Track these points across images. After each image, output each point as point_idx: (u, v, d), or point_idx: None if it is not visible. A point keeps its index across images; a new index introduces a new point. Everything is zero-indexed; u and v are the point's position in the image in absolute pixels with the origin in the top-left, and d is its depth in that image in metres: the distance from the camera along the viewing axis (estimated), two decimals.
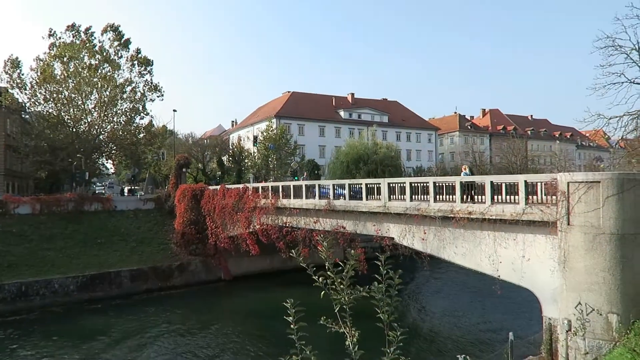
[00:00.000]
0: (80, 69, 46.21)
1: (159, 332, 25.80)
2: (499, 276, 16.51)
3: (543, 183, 15.36)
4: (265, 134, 57.54)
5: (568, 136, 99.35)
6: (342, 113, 73.50)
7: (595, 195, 13.27)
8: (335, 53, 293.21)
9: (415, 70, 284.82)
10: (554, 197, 14.45)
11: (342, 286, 3.16)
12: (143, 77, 50.75)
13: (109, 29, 48.72)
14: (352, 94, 79.04)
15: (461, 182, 18.19)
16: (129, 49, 49.70)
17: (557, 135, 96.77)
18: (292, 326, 3.18)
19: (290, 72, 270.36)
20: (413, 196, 19.74)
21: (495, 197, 16.56)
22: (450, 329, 25.72)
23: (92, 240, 36.02)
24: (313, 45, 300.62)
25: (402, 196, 20.31)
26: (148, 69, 50.82)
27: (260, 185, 33.41)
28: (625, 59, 25.44)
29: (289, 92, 75.64)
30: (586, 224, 13.39)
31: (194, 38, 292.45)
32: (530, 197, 15.45)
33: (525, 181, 15.62)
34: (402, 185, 20.66)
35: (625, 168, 37.74)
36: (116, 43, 48.83)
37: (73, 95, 46.33)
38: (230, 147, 68.75)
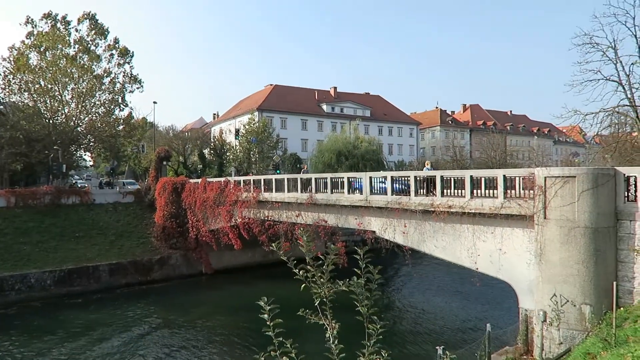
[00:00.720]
0: (57, 59, 45.06)
1: (140, 326, 25.58)
2: (477, 269, 16.84)
3: (521, 178, 15.67)
4: (247, 127, 57.17)
5: (546, 132, 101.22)
6: (324, 107, 73.46)
7: (571, 190, 13.61)
8: (317, 46, 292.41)
9: (398, 64, 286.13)
10: (531, 191, 14.77)
11: (322, 280, 3.18)
12: (122, 67, 49.77)
13: (85, 17, 47.55)
14: (335, 88, 79.02)
15: (416, 177, 18.69)
16: (106, 38, 48.61)
17: (535, 131, 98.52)
18: (267, 323, 3.19)
19: (273, 65, 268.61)
20: (394, 190, 19.91)
21: (475, 191, 16.83)
22: (430, 322, 26.12)
23: (70, 234, 35.37)
24: (295, 38, 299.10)
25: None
26: (127, 59, 49.84)
27: (242, 178, 33.24)
28: (602, 57, 26.01)
29: (271, 85, 75.21)
30: (562, 218, 13.73)
31: (173, 30, 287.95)
32: (508, 191, 15.75)
33: (504, 176, 15.91)
34: (383, 179, 20.81)
35: (600, 163, 38.76)
36: (93, 32, 47.70)
37: (50, 86, 45.18)
38: (212, 140, 68.10)
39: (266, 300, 3.23)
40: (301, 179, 26.22)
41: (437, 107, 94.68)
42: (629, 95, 25.81)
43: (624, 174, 13.60)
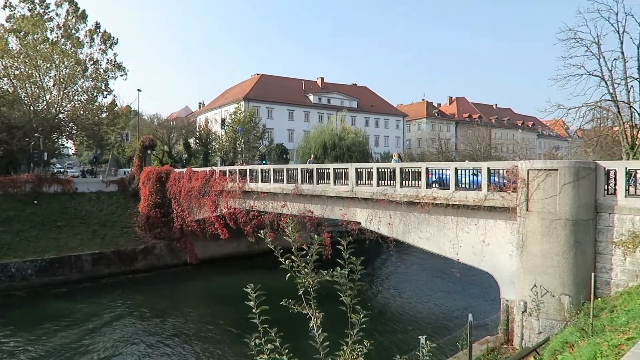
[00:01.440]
0: (37, 44, 43.97)
1: (126, 316, 25.48)
2: (459, 260, 17.08)
3: (505, 170, 15.88)
4: (233, 116, 56.72)
5: (530, 125, 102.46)
6: (311, 97, 73.19)
7: (553, 183, 13.84)
8: (305, 36, 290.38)
9: (385, 56, 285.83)
10: (514, 183, 14.98)
11: (306, 270, 3.20)
12: (105, 54, 48.83)
13: (63, 0, 46.39)
14: (322, 79, 78.74)
15: (402, 169, 18.88)
16: (86, 21, 47.49)
17: (520, 124, 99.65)
18: (253, 310, 3.21)
19: (260, 54, 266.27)
20: (380, 181, 20.02)
21: (459, 183, 17.01)
22: (413, 312, 26.45)
23: (51, 223, 34.83)
24: (283, 27, 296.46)
25: (369, 181, 20.56)
26: (110, 45, 48.89)
27: (227, 168, 33.06)
28: (586, 52, 26.39)
29: (258, 74, 74.60)
30: (543, 210, 13.97)
31: (158, 17, 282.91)
32: (492, 183, 15.95)
33: (488, 168, 16.10)
34: (369, 170, 20.89)
35: (582, 157, 39.45)
36: (72, 16, 46.56)
37: (30, 71, 44.12)
38: (198, 129, 67.43)
39: (252, 287, 3.24)
40: (287, 169, 26.19)
41: (423, 100, 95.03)
42: (611, 91, 26.26)
43: (605, 168, 13.87)
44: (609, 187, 13.87)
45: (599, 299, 12.87)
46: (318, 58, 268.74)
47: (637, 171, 13.98)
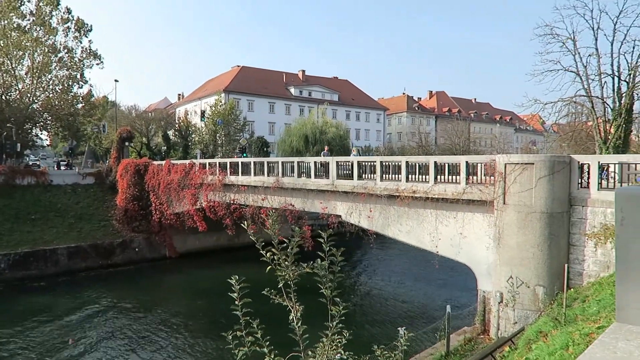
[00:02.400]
0: (8, 31, 42.55)
1: (105, 310, 25.14)
2: (438, 252, 17.33)
3: (483, 164, 16.12)
4: (213, 108, 56.06)
5: (508, 120, 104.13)
6: (292, 90, 72.83)
7: (529, 177, 14.13)
8: (286, 28, 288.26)
9: (367, 50, 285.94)
10: (492, 177, 15.24)
11: (286, 262, 3.20)
12: (80, 42, 47.52)
13: None
14: (303, 71, 78.39)
15: (382, 162, 19.05)
16: (58, 6, 46.06)
17: (498, 119, 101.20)
18: (236, 302, 3.21)
19: (241, 46, 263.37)
20: (361, 175, 20.12)
21: (439, 177, 17.22)
22: (393, 304, 26.77)
23: (25, 216, 33.97)
24: (263, 18, 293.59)
25: (350, 175, 20.63)
26: (84, 32, 47.57)
27: (207, 161, 32.73)
28: (562, 48, 26.91)
29: (238, 66, 73.81)
30: (520, 203, 14.26)
31: (136, 5, 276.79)
32: (470, 177, 16.19)
33: (467, 162, 16.34)
34: (350, 164, 20.96)
35: (557, 151, 40.34)
36: (44, 1, 45.09)
37: (1, 59, 42.73)
38: (177, 121, 66.46)
39: (237, 278, 3.23)
40: (268, 162, 26.08)
41: (404, 94, 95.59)
42: (586, 86, 26.87)
43: (579, 162, 14.21)
44: (583, 181, 14.24)
45: (572, 289, 13.23)
46: (299, 50, 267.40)
47: (609, 165, 14.37)
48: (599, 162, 13.93)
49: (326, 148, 29.63)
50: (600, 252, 13.52)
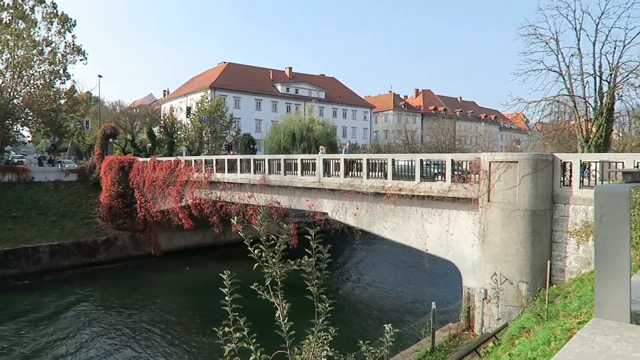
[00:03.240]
0: None
1: (89, 308, 24.88)
2: (427, 250, 17.47)
3: (468, 162, 16.30)
4: (199, 105, 55.59)
5: (492, 118, 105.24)
6: (279, 87, 72.58)
7: (513, 175, 14.33)
8: (273, 25, 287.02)
9: (352, 47, 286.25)
10: (477, 175, 15.42)
11: (273, 260, 3.21)
12: (63, 36, 46.64)
13: None
14: (290, 68, 78.14)
15: (368, 160, 19.19)
16: (45, 2, 45.18)
17: (483, 117, 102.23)
18: (226, 298, 3.20)
19: (226, 42, 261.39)
20: (347, 172, 20.17)
21: (424, 174, 17.35)
22: (378, 301, 26.93)
23: (6, 214, 33.30)
24: (250, 15, 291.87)
25: (337, 172, 20.67)
26: (68, 27, 46.71)
27: (193, 158, 32.48)
28: (545, 47, 27.28)
29: (225, 62, 73.26)
30: (504, 201, 14.45)
31: (123, 2, 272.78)
32: (456, 175, 16.36)
33: (452, 160, 16.49)
34: (336, 161, 20.99)
35: (540, 149, 40.93)
36: None
37: None
38: (162, 117, 65.76)
39: (229, 273, 3.23)
40: (254, 160, 25.98)
41: (390, 92, 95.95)
42: (568, 86, 27.30)
43: (561, 160, 14.46)
44: (565, 179, 14.49)
45: (554, 285, 13.47)
46: (286, 47, 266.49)
47: (591, 163, 14.64)
48: (580, 161, 14.20)
49: (322, 148, 29.18)
50: (582, 249, 13.78)
